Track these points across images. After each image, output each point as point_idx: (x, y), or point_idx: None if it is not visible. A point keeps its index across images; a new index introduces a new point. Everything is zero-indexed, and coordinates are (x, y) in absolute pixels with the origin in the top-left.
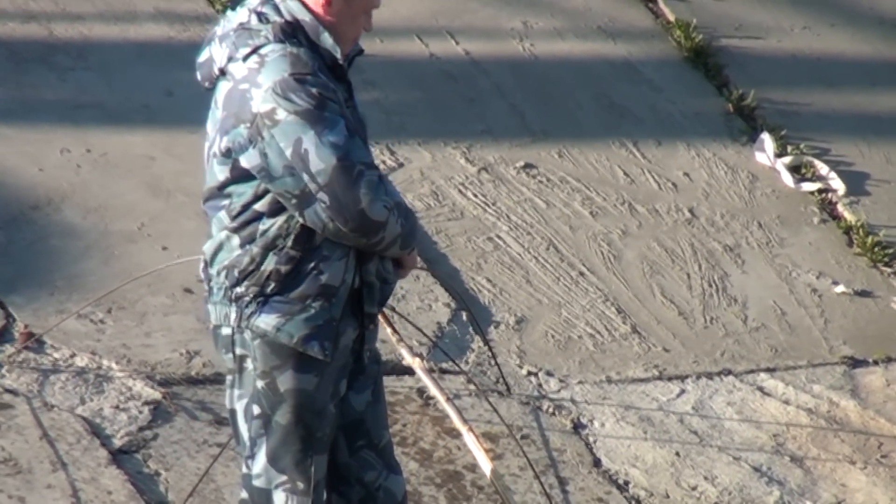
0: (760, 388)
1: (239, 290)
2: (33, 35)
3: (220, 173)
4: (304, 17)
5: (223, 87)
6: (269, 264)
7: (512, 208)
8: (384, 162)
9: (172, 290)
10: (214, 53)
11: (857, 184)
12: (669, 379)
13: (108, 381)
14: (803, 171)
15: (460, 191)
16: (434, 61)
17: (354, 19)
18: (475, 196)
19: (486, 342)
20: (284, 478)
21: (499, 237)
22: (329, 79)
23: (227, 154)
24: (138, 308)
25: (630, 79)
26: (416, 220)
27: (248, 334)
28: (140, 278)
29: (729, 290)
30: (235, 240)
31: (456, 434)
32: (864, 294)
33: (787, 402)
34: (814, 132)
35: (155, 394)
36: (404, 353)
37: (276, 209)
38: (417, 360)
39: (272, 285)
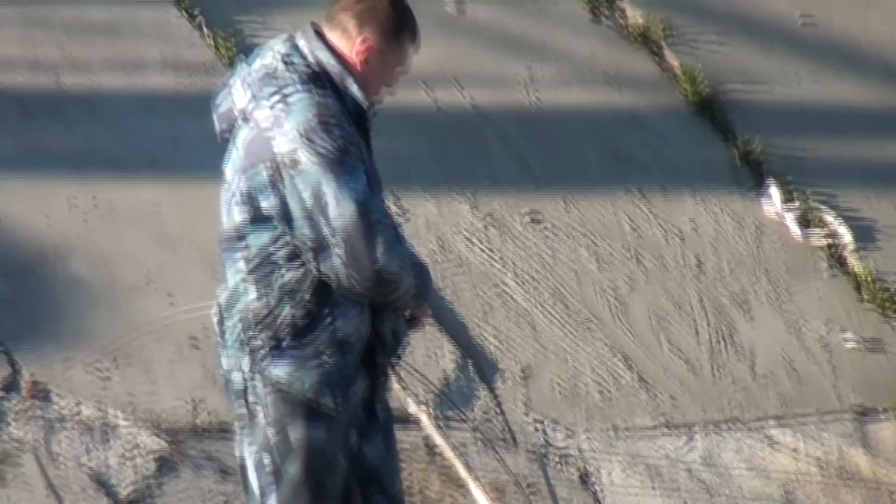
0: (769, 439)
1: (253, 337)
2: (40, 85)
3: (239, 215)
4: (331, 63)
5: (245, 132)
6: (285, 314)
7: (518, 258)
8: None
9: (178, 341)
10: (236, 98)
11: (865, 233)
12: (677, 429)
13: (113, 431)
14: (811, 220)
15: (466, 241)
16: (439, 110)
17: (385, 77)
18: (481, 246)
19: (493, 392)
20: None
21: (504, 286)
22: (352, 128)
23: (248, 196)
24: (144, 358)
25: (636, 128)
26: (429, 275)
27: (259, 383)
28: (146, 328)
29: (736, 341)
30: (252, 288)
31: (462, 485)
32: (873, 343)
33: (796, 453)
34: (821, 181)
35: (161, 444)
36: (410, 403)
37: (294, 259)
38: (424, 410)
39: (287, 335)
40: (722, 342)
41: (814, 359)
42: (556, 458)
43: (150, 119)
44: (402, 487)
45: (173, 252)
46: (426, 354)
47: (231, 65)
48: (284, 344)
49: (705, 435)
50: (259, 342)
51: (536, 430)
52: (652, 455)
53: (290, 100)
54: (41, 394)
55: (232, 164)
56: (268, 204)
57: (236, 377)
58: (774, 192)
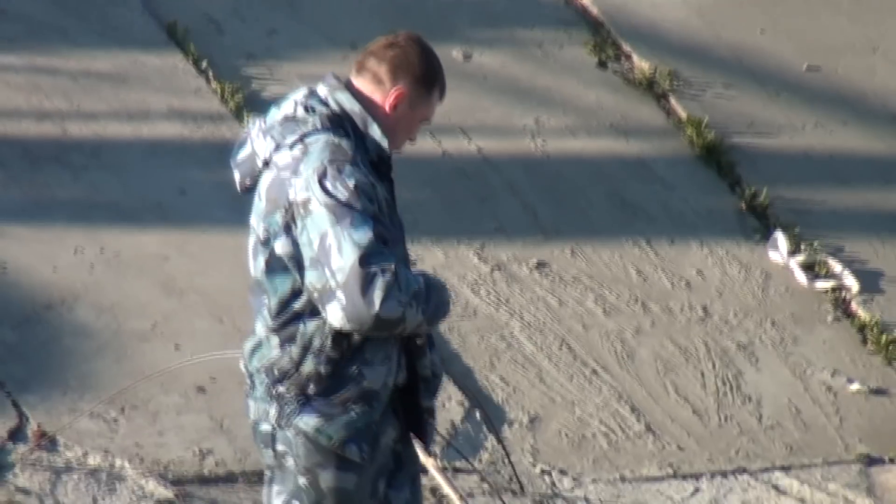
0: (776, 487)
1: (280, 388)
2: (47, 134)
3: (261, 261)
4: (353, 107)
5: (266, 177)
6: (309, 366)
7: (525, 307)
8: None
9: (185, 389)
10: (257, 147)
11: (870, 281)
12: (684, 477)
13: (120, 480)
14: (817, 268)
15: (473, 289)
16: (447, 159)
17: (410, 126)
18: (488, 294)
19: (500, 441)
20: None
21: (512, 335)
22: (370, 173)
23: (266, 241)
24: (151, 407)
25: (642, 176)
26: (442, 294)
27: (290, 431)
28: (153, 377)
29: (743, 389)
30: (275, 339)
31: None
32: (879, 392)
33: (802, 501)
34: (827, 230)
35: (167, 493)
36: (418, 451)
37: (315, 310)
38: (431, 458)
39: (313, 387)
40: (729, 390)
41: (820, 406)
42: None
43: (156, 168)
44: None
45: (180, 301)
46: None
47: (237, 114)
48: (311, 396)
49: (712, 484)
50: (285, 393)
51: (544, 478)
52: (659, 503)
53: (309, 141)
54: (48, 442)
55: (255, 211)
56: (282, 250)
57: (264, 426)
58: (781, 239)
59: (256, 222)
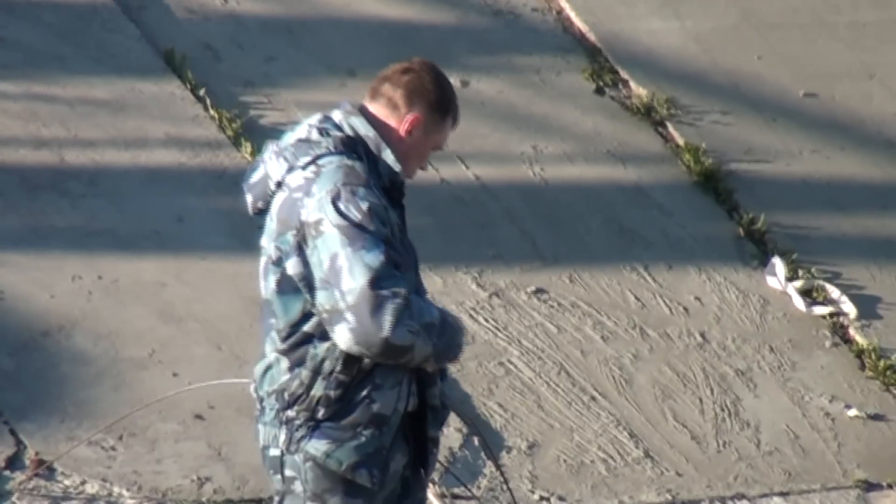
0: None
1: (290, 413)
2: (44, 162)
3: (272, 281)
4: (367, 132)
5: (278, 198)
6: (319, 390)
7: (523, 333)
8: None
9: (183, 417)
10: (270, 169)
11: (868, 307)
12: (683, 503)
13: None
14: (815, 294)
15: (471, 316)
16: (445, 186)
17: (423, 152)
18: (486, 321)
19: (499, 467)
20: None
21: (510, 362)
22: (382, 197)
23: (278, 260)
24: (149, 435)
25: (640, 203)
26: (456, 336)
27: (299, 456)
28: (151, 405)
29: (741, 415)
30: (284, 362)
31: None
32: (877, 417)
33: None
34: (825, 256)
35: None
36: None
37: (325, 333)
38: (430, 485)
39: (322, 411)
40: (727, 416)
41: (818, 432)
42: None
43: (154, 196)
44: None
45: (178, 328)
46: None
47: (235, 142)
48: (320, 420)
49: None
50: (295, 417)
51: None
52: None
53: (322, 162)
54: (46, 470)
55: (267, 232)
56: (293, 268)
57: (273, 451)
58: (778, 265)
59: (268, 242)
